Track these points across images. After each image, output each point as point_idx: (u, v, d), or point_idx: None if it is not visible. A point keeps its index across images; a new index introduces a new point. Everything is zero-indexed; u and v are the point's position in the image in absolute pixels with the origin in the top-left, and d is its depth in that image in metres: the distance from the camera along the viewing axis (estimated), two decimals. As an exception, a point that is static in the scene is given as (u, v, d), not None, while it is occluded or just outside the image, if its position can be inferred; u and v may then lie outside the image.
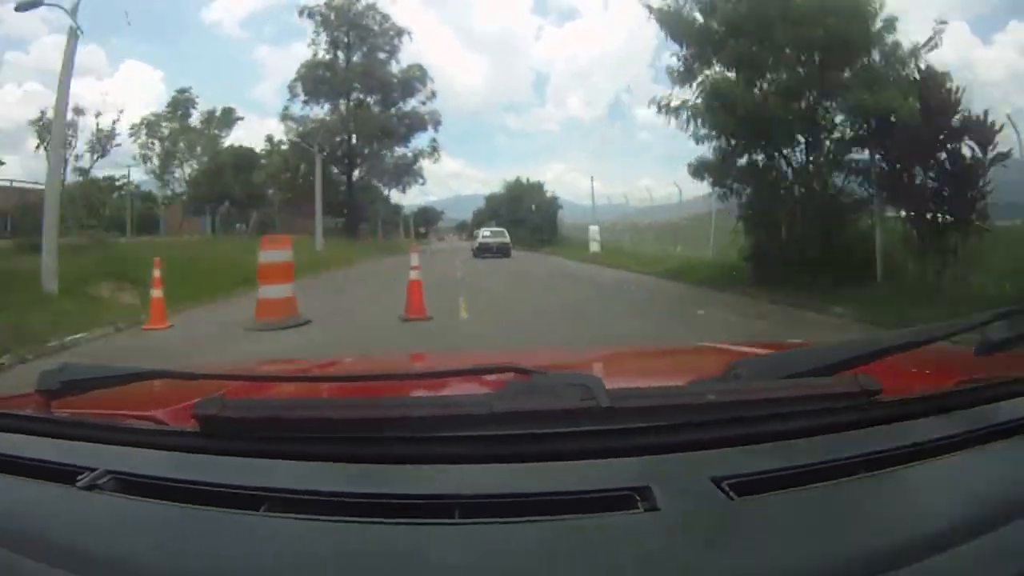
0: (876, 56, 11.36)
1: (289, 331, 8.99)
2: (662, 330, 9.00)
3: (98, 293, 12.24)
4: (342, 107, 45.13)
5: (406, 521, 0.77)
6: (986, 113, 9.62)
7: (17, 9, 13.01)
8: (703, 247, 20.81)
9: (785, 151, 12.62)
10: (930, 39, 10.91)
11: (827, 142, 12.23)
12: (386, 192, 50.91)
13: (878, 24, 11.28)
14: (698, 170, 13.55)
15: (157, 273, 10.07)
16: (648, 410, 0.90)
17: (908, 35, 11.24)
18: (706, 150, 13.07)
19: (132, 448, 0.97)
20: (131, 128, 40.32)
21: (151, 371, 1.09)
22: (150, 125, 41.98)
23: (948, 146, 9.61)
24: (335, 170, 45.25)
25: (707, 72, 12.55)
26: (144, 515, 0.83)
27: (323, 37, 44.99)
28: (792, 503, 0.80)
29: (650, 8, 12.66)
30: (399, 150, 47.73)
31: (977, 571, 0.69)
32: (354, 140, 46.24)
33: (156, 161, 42.00)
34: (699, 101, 12.41)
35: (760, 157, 12.87)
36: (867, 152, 11.57)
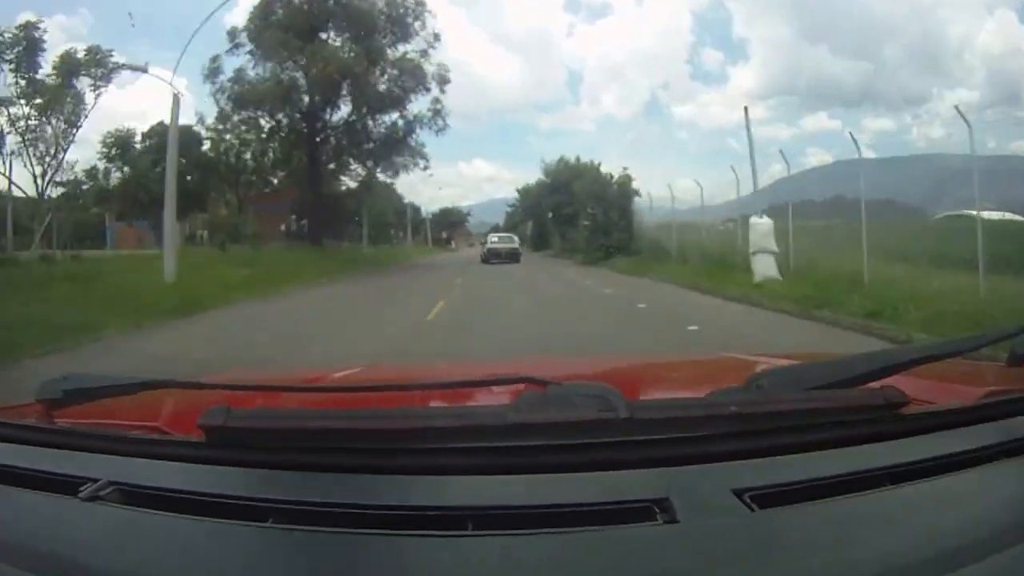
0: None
1: None
2: None
3: None
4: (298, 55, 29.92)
5: (418, 533, 0.76)
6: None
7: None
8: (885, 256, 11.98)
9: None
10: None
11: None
12: (359, 172, 36.27)
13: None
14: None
15: None
16: (668, 421, 0.89)
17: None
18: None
19: (135, 459, 0.95)
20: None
21: (155, 381, 1.08)
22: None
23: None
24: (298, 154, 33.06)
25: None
26: (148, 527, 0.82)
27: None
28: (815, 516, 0.79)
29: None
30: (386, 118, 33.48)
31: None
32: (317, 100, 31.75)
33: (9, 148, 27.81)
34: None
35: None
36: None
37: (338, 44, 30.80)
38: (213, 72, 30.07)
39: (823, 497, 0.81)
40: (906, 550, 0.72)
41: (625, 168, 32.95)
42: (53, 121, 28.11)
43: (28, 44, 26.62)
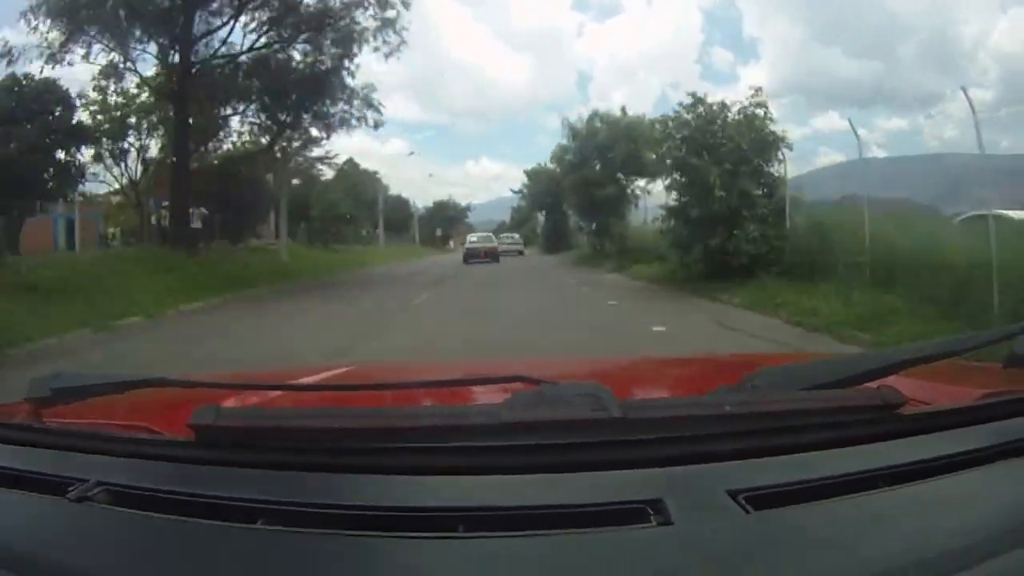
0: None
1: None
2: None
3: None
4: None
5: (408, 535, 0.75)
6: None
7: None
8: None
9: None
10: None
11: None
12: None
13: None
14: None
15: None
16: (661, 421, 0.88)
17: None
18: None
19: (125, 459, 0.95)
20: None
21: (145, 379, 1.07)
22: None
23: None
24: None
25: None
26: (137, 528, 0.82)
27: None
28: (811, 517, 0.78)
29: None
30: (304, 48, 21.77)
31: None
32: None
33: None
34: None
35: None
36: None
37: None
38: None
39: (819, 498, 0.80)
40: (902, 552, 0.71)
41: (757, 90, 15.20)
42: None
43: None
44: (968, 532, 0.75)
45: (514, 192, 51.23)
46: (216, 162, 24.74)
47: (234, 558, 0.76)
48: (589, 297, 15.99)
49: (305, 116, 22.57)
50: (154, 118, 24.09)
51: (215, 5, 20.38)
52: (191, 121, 21.33)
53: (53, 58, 19.11)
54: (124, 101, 24.01)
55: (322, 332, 10.43)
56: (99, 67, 20.66)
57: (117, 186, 26.37)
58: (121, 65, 20.78)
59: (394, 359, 6.55)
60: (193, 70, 20.60)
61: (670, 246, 16.57)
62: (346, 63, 21.57)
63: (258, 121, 23.29)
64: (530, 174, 48.83)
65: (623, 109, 29.98)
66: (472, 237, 41.49)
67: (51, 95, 20.90)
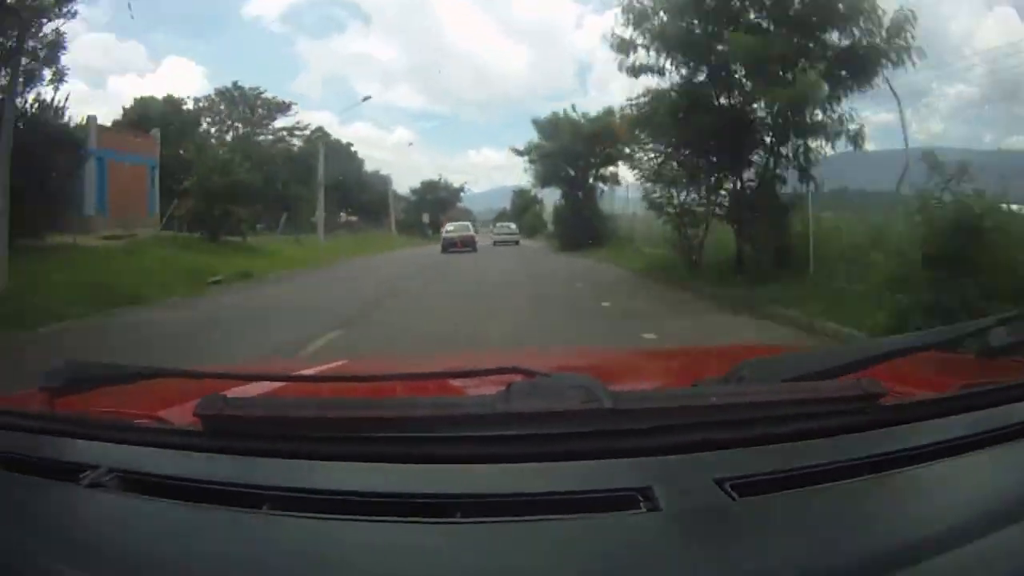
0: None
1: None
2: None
3: None
4: None
5: (408, 520, 0.78)
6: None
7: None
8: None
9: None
10: None
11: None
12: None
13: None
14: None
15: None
16: (651, 411, 0.90)
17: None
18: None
19: (135, 446, 0.97)
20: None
21: (155, 369, 1.09)
22: None
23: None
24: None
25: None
26: (146, 513, 0.84)
27: None
28: (795, 504, 0.80)
29: None
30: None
31: (979, 573, 0.69)
32: None
33: None
34: None
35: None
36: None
37: None
38: None
39: (803, 486, 0.82)
40: (883, 537, 0.73)
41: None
42: None
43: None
44: (947, 518, 0.77)
45: (518, 153, 35.94)
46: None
47: (241, 542, 0.78)
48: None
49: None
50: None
51: None
52: None
53: None
54: None
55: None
56: None
57: None
58: None
59: (392, 352, 6.54)
60: None
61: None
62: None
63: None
64: (543, 125, 33.15)
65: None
66: (449, 227, 39.87)
67: None
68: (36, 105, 17.00)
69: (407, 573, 0.71)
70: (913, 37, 11.15)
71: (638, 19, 12.71)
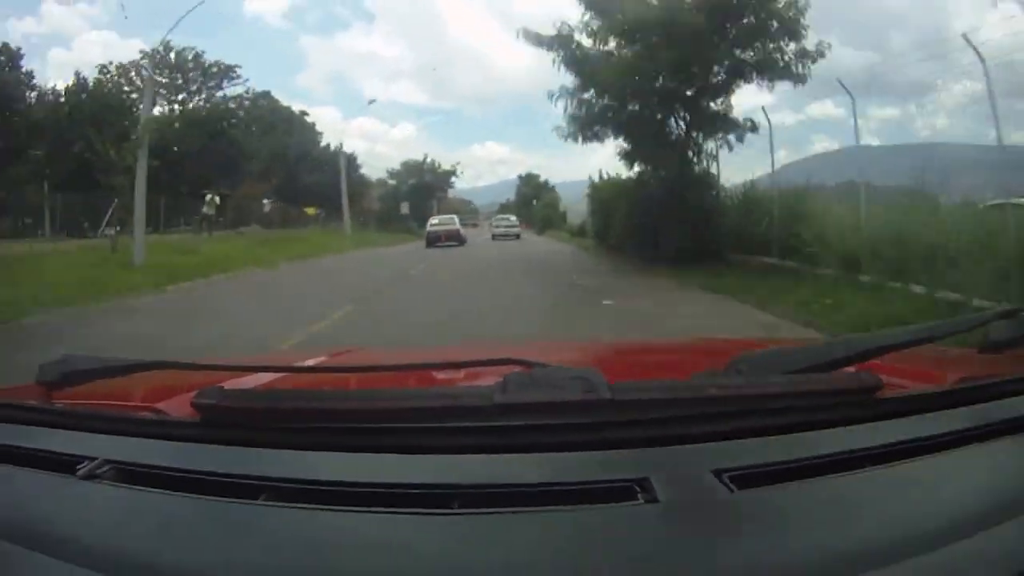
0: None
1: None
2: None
3: None
4: None
5: (405, 511, 0.78)
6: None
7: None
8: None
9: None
10: None
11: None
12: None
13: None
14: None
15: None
16: (649, 403, 0.90)
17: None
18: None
19: (131, 438, 0.97)
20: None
21: (151, 362, 1.09)
22: None
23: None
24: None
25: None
26: (143, 504, 0.84)
27: None
28: (792, 497, 0.80)
29: None
30: None
31: (977, 567, 0.69)
32: None
33: None
34: None
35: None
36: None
37: None
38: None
39: (800, 478, 0.82)
40: (879, 531, 0.73)
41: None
42: None
43: None
44: (944, 512, 0.77)
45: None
46: None
47: (237, 533, 0.78)
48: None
49: None
50: None
51: None
52: None
53: None
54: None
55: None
56: None
57: None
58: None
59: (388, 345, 6.53)
60: None
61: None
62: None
63: None
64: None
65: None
66: (433, 220, 37.58)
67: None
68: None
69: (404, 564, 0.71)
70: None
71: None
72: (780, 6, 13.86)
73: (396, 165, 60.66)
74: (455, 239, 33.75)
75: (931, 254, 8.61)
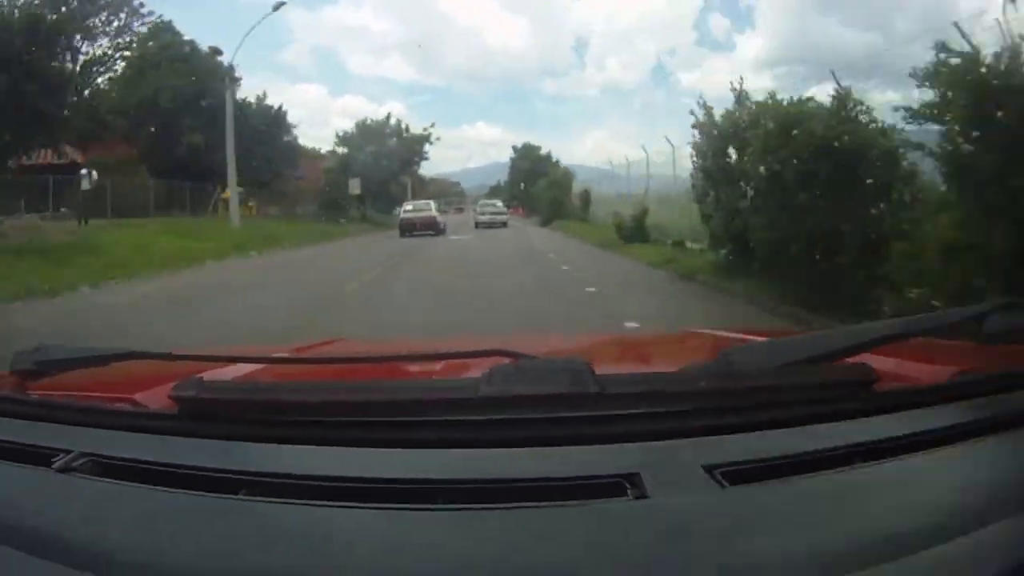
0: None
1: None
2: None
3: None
4: None
5: (387, 506, 0.76)
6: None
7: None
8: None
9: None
10: None
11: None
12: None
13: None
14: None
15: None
16: (638, 396, 0.89)
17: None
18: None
19: (109, 430, 0.95)
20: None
21: (129, 352, 1.07)
22: None
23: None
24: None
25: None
26: (120, 498, 0.82)
27: None
28: (786, 492, 0.79)
29: None
30: None
31: (975, 563, 0.68)
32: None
33: None
34: None
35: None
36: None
37: None
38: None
39: (794, 474, 0.81)
40: (875, 528, 0.72)
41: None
42: None
43: None
44: (941, 508, 0.76)
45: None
46: None
47: (216, 528, 0.77)
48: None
49: None
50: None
51: None
52: None
53: None
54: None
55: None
56: None
57: None
58: None
59: (376, 335, 6.49)
60: None
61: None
62: None
63: None
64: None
65: None
66: (407, 206, 33.57)
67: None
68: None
69: (387, 560, 0.70)
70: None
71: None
72: None
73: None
74: (431, 228, 30.69)
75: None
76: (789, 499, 0.78)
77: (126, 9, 30.10)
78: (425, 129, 44.70)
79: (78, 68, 25.53)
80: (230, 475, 0.82)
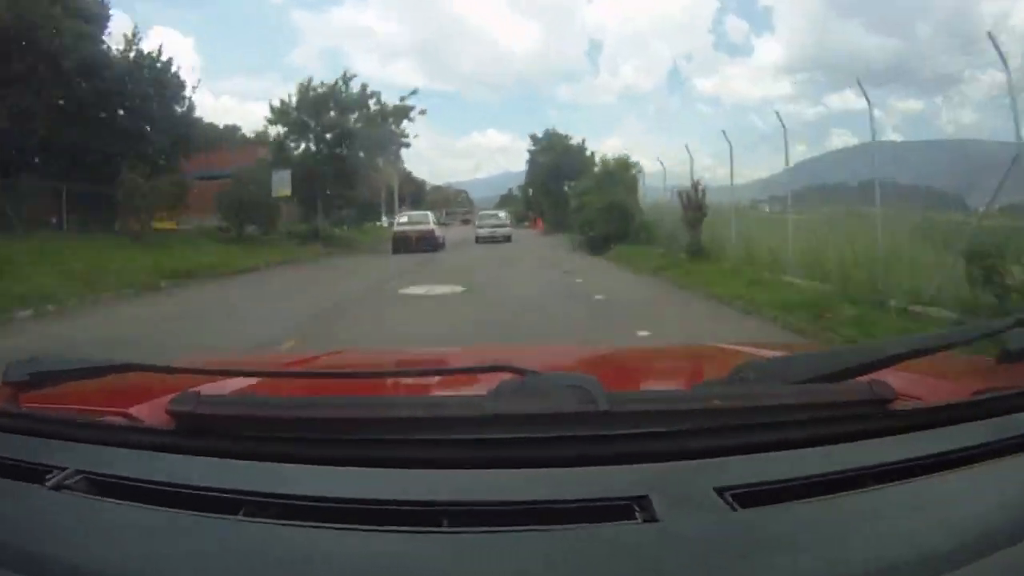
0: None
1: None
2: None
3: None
4: None
5: (391, 529, 0.74)
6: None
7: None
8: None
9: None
10: None
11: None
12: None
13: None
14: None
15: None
16: (649, 415, 0.87)
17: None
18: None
19: (103, 446, 0.93)
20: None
21: (125, 364, 1.05)
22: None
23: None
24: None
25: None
26: (116, 518, 0.80)
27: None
28: (799, 515, 0.77)
29: None
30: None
31: None
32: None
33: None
34: None
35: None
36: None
37: None
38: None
39: (808, 496, 0.79)
40: (891, 552, 0.70)
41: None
42: None
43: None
44: (959, 532, 0.74)
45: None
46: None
47: (215, 550, 0.75)
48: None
49: None
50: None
51: None
52: None
53: None
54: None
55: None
56: None
57: None
58: None
59: (378, 347, 6.48)
60: None
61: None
62: None
63: None
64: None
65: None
66: (401, 218, 29.28)
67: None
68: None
69: None
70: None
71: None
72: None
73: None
74: (429, 243, 25.97)
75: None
76: (802, 523, 0.76)
77: None
78: (403, 99, 29.84)
79: None
80: (229, 495, 0.80)
